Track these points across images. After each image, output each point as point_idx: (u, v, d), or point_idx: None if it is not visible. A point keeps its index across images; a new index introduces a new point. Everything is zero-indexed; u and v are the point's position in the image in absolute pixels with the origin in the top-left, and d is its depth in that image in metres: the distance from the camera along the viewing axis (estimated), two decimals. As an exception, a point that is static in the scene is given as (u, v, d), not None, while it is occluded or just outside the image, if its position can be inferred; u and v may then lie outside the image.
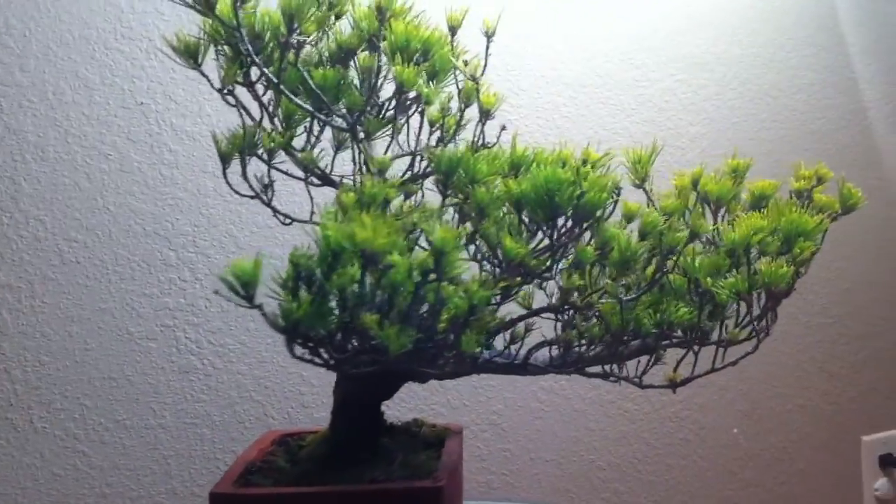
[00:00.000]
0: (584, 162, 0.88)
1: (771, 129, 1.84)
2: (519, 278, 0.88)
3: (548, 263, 0.88)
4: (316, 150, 0.94)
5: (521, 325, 0.94)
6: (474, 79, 0.93)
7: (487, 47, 0.96)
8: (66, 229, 1.28)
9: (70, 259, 1.28)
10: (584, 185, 0.84)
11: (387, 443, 1.00)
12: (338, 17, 0.94)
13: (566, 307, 0.89)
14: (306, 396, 1.41)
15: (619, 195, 0.91)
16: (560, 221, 0.86)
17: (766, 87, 1.83)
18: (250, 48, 0.88)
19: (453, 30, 0.97)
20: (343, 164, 0.95)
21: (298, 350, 0.73)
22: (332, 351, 0.76)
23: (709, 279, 0.90)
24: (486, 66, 0.95)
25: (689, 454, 1.76)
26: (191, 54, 0.92)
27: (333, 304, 0.73)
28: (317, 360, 0.76)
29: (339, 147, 0.98)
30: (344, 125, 0.94)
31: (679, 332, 0.92)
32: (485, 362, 0.93)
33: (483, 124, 0.95)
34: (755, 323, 0.93)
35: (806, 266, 0.95)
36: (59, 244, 1.28)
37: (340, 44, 0.93)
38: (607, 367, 0.93)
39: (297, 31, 0.87)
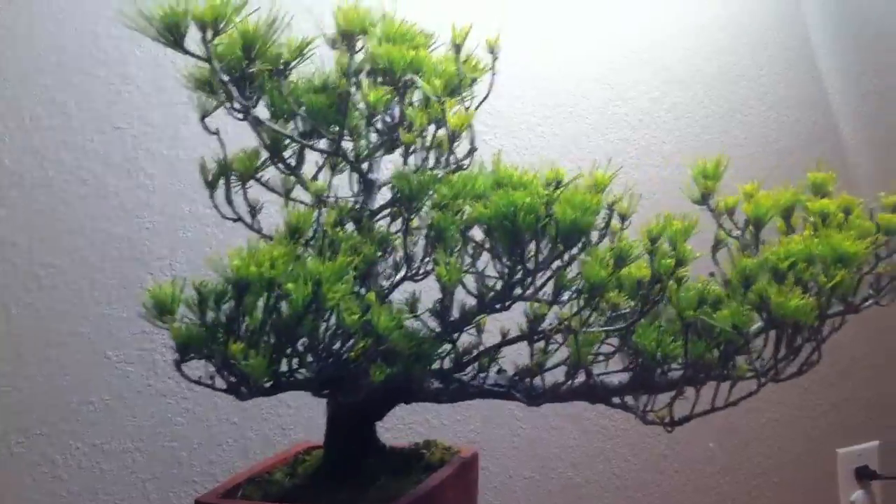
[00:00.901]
0: (553, 183, 0.87)
1: (743, 146, 1.86)
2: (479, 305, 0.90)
3: (518, 290, 0.88)
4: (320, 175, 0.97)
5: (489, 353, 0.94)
6: (439, 99, 0.93)
7: (494, 64, 1.00)
8: (42, 254, 1.28)
9: (47, 284, 1.28)
10: (555, 207, 0.84)
11: (374, 464, 1.00)
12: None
13: (536, 335, 0.89)
14: (284, 418, 1.41)
15: (611, 215, 0.91)
16: (533, 245, 0.86)
17: (738, 104, 1.86)
18: (224, 78, 0.89)
19: (458, 47, 0.99)
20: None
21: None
22: (226, 375, 0.79)
23: (692, 311, 0.87)
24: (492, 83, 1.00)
25: (666, 469, 1.77)
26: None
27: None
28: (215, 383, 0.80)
29: (333, 170, 0.99)
30: (327, 149, 0.96)
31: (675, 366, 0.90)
32: (490, 388, 0.93)
33: (451, 145, 0.95)
34: (758, 360, 0.90)
35: (845, 297, 0.93)
36: (36, 269, 1.28)
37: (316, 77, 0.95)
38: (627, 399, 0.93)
39: (255, 59, 0.88)
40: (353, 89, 0.93)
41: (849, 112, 2.00)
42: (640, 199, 0.95)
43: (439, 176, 0.93)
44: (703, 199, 1.03)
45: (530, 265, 0.86)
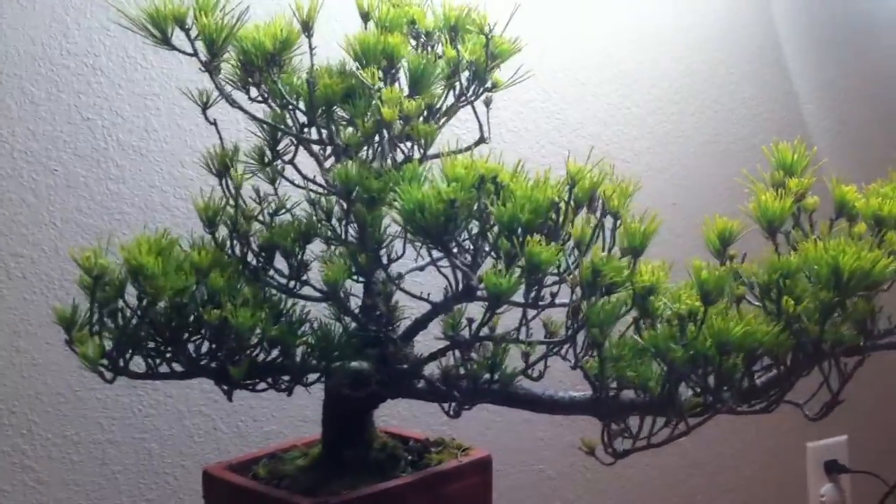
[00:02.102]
0: (490, 178, 0.85)
1: (713, 143, 1.88)
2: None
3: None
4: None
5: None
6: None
7: (487, 44, 1.03)
8: (12, 245, 1.28)
9: (16, 274, 1.28)
10: (488, 200, 0.84)
11: (353, 457, 1.00)
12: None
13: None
14: (256, 410, 1.41)
15: (558, 212, 0.87)
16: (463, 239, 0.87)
17: (708, 101, 1.88)
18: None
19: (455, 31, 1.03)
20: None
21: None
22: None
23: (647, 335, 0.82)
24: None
25: (636, 463, 1.78)
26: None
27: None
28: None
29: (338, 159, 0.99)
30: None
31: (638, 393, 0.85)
32: (500, 392, 0.91)
33: (391, 138, 0.97)
34: (709, 391, 0.83)
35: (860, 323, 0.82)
36: (6, 259, 1.27)
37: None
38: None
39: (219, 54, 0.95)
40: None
41: (816, 109, 2.02)
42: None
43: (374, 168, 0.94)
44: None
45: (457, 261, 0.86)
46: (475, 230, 0.87)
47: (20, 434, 1.28)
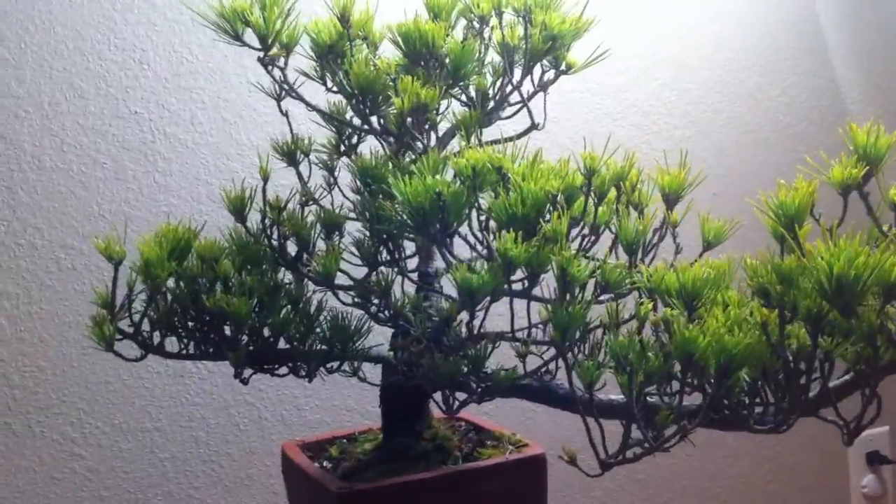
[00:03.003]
0: (470, 170, 0.83)
1: (754, 132, 1.87)
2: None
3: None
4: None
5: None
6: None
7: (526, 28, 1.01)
8: (62, 237, 1.30)
9: (66, 266, 1.30)
10: (488, 193, 0.82)
11: (399, 446, 1.01)
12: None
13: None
14: (300, 399, 1.43)
15: (556, 204, 0.83)
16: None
17: (750, 90, 1.86)
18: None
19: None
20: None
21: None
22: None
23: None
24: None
25: (677, 452, 1.78)
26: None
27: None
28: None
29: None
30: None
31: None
32: (520, 388, 0.90)
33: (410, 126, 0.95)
34: (684, 419, 0.77)
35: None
36: (56, 251, 1.30)
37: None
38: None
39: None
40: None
41: (859, 97, 2.00)
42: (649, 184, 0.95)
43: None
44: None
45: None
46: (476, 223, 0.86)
47: (70, 423, 1.31)
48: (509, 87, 1.02)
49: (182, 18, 1.36)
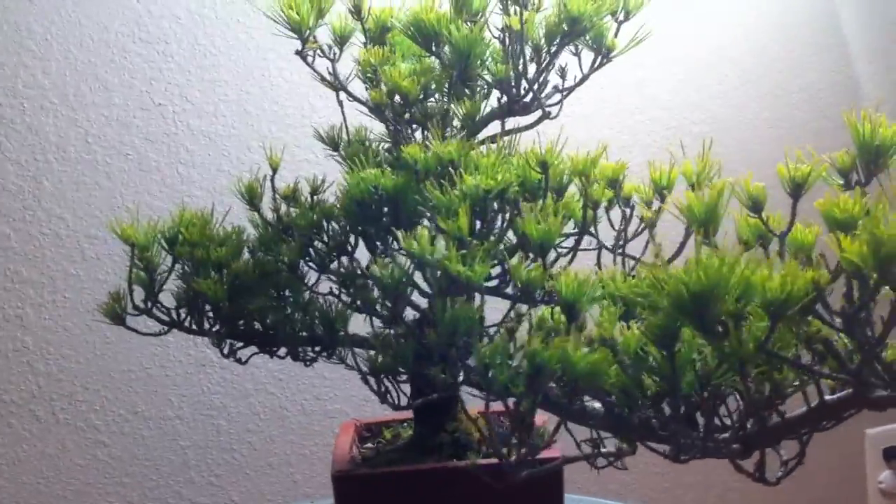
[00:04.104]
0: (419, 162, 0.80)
1: (774, 129, 1.87)
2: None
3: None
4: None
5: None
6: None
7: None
8: (86, 226, 1.32)
9: (90, 255, 1.32)
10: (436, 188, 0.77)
11: (420, 436, 1.01)
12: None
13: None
14: (319, 389, 1.44)
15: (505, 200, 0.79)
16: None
17: (770, 86, 1.86)
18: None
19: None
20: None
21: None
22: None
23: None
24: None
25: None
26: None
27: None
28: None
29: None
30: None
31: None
32: None
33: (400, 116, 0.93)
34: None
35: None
36: (80, 241, 1.32)
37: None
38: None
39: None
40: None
41: (879, 95, 2.00)
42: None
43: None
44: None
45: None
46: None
47: (93, 410, 1.33)
48: (540, 75, 0.96)
49: (205, 12, 1.37)
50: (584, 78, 0.99)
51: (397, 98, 0.91)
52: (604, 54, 0.98)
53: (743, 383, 0.61)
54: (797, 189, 0.71)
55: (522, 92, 0.96)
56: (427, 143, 0.85)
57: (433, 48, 0.92)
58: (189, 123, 1.37)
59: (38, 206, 1.30)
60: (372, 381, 0.84)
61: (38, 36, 1.30)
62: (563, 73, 0.98)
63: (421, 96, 0.91)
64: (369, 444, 1.04)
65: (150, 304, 0.96)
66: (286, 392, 1.42)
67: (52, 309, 1.31)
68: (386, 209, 0.85)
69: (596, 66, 0.98)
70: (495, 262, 0.78)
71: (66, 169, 1.31)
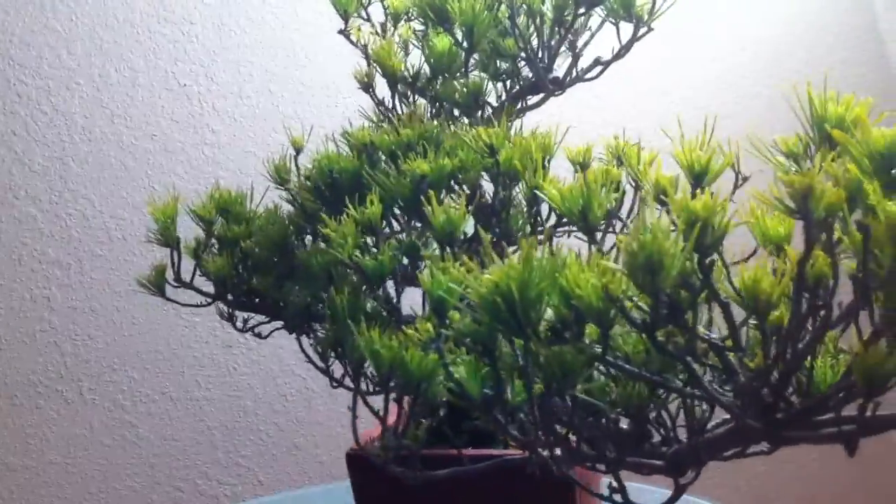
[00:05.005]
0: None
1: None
2: None
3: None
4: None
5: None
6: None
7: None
8: (112, 207, 1.32)
9: (117, 236, 1.32)
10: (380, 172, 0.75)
11: (453, 421, 1.00)
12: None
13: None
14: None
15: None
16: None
17: (797, 65, 1.84)
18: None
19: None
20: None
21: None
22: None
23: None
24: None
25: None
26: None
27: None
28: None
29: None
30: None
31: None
32: None
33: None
34: None
35: None
36: (107, 221, 1.32)
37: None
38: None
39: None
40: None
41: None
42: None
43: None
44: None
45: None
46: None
47: (121, 391, 1.33)
48: (559, 46, 0.90)
49: (230, -9, 1.37)
50: (625, 49, 0.92)
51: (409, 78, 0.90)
52: (640, 22, 0.89)
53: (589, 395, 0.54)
54: (697, 179, 0.59)
55: (548, 66, 0.90)
56: (416, 122, 0.83)
57: (446, 25, 0.89)
58: (214, 104, 1.37)
59: (64, 188, 1.30)
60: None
61: (62, 16, 1.30)
62: (572, 46, 0.90)
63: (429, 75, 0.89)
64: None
65: (190, 279, 0.95)
66: (312, 374, 1.41)
67: (80, 289, 1.31)
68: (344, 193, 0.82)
69: (639, 35, 0.91)
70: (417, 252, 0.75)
71: (91, 150, 1.31)
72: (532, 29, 0.89)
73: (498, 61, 0.92)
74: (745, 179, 0.70)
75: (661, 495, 0.56)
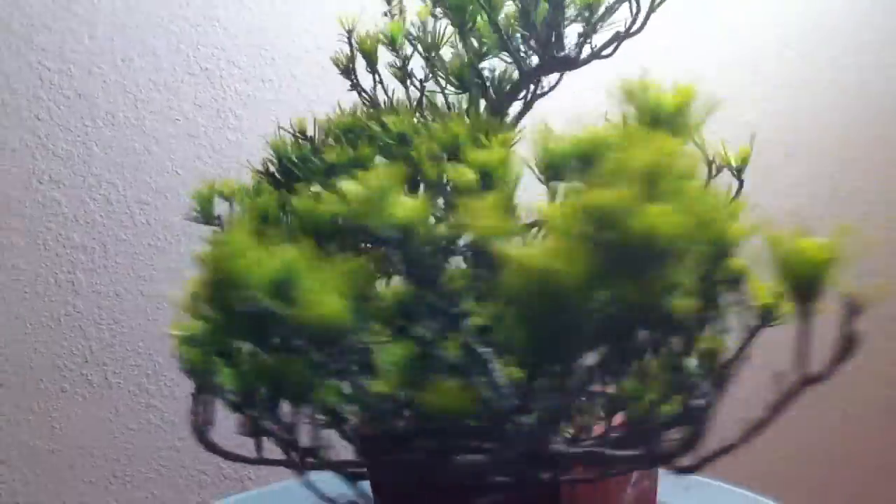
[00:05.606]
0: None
1: (831, 90, 1.82)
2: None
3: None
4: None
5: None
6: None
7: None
8: (136, 192, 1.32)
9: (141, 221, 1.32)
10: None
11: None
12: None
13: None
14: (369, 354, 1.44)
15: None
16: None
17: (829, 46, 1.82)
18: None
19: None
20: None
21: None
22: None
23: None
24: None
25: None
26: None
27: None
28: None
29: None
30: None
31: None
32: None
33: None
34: None
35: None
36: (131, 206, 1.32)
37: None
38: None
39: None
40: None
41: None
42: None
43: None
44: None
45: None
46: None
47: (146, 374, 1.34)
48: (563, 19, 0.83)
49: (252, -26, 1.36)
50: (645, 20, 0.86)
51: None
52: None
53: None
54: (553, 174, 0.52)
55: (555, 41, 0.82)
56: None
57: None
58: (236, 88, 1.37)
59: (87, 172, 1.30)
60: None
61: (84, 0, 1.29)
62: (588, 21, 0.84)
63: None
64: None
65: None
66: (335, 357, 1.42)
67: (104, 274, 1.32)
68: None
69: (657, 3, 0.85)
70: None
71: (115, 134, 1.31)
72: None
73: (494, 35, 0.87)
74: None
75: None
